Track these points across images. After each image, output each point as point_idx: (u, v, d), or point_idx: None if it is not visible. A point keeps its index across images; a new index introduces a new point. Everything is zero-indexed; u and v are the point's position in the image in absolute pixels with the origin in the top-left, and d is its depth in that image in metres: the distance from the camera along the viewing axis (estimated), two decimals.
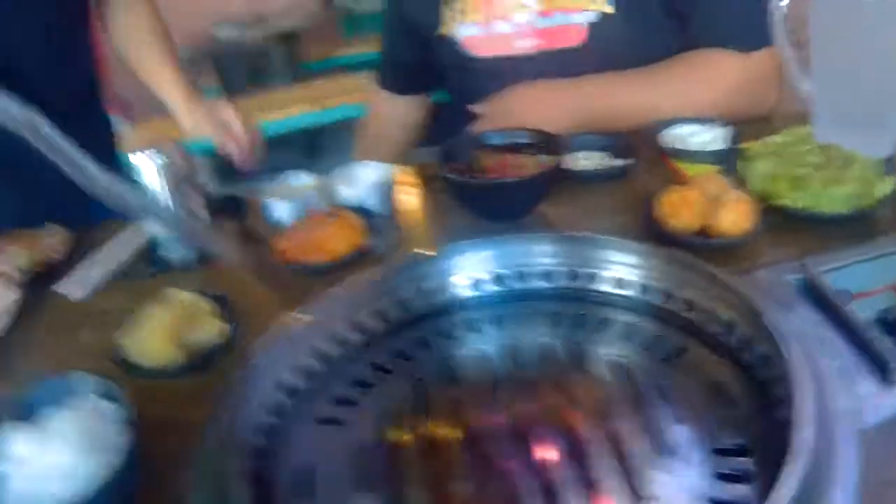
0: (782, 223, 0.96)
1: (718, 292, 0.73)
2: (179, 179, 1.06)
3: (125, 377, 0.81)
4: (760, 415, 0.63)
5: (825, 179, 0.96)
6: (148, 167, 1.02)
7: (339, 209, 1.07)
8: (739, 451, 0.60)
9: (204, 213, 1.13)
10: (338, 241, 0.99)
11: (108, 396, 0.70)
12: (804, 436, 0.52)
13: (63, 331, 0.97)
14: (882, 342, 0.68)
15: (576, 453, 0.62)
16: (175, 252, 1.10)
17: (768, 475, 0.55)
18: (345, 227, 1.01)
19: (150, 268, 1.10)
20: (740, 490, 0.56)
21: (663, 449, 0.61)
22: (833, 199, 0.94)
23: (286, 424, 0.70)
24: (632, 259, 0.80)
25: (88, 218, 1.21)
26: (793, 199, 0.97)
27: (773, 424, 0.61)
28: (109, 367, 0.83)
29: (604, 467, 0.60)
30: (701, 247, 0.90)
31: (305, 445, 0.68)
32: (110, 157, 1.54)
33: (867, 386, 0.66)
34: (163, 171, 1.03)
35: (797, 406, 0.54)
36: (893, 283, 0.83)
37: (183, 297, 0.90)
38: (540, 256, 0.83)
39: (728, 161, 1.10)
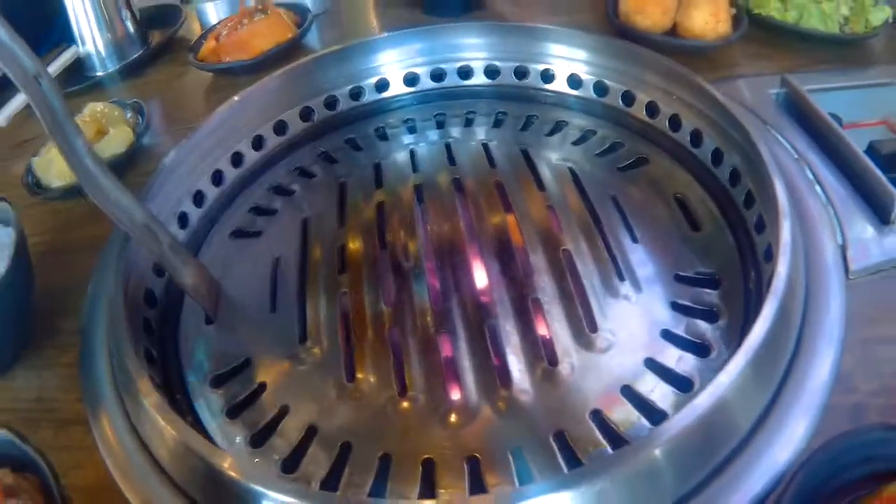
0: (763, 35, 0.83)
1: (688, 97, 0.63)
2: None
3: (35, 202, 0.72)
4: (729, 242, 0.54)
5: None
6: None
7: (269, 5, 0.94)
8: (705, 281, 0.52)
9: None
10: (265, 37, 0.87)
11: (2, 220, 0.60)
12: (782, 270, 0.42)
13: None
14: (878, 177, 0.56)
15: (516, 275, 0.54)
16: (98, 67, 0.98)
17: (736, 313, 0.49)
18: (274, 24, 0.89)
19: (69, 86, 0.98)
20: (702, 327, 0.48)
21: (618, 273, 0.53)
22: (823, 16, 0.82)
23: (195, 239, 0.63)
24: (588, 54, 0.69)
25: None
26: (780, 11, 0.84)
27: (744, 255, 0.53)
28: (22, 193, 0.73)
29: (550, 293, 0.52)
30: (669, 48, 0.78)
31: (216, 261, 0.60)
32: None
33: (860, 226, 0.54)
34: None
35: (777, 236, 0.45)
36: (886, 116, 0.72)
37: (98, 108, 0.80)
38: (486, 49, 0.72)
39: None
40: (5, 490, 0.38)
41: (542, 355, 0.48)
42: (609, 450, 0.42)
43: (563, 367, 0.47)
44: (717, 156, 0.59)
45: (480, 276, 0.54)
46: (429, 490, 0.42)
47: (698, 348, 0.47)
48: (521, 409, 0.45)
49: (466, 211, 0.60)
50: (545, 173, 0.63)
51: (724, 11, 0.80)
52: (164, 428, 0.41)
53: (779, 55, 0.81)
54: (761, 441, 0.39)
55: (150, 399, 0.42)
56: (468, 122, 0.72)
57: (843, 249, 0.52)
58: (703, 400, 0.37)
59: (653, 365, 0.46)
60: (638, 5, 0.81)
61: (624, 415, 0.44)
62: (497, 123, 0.71)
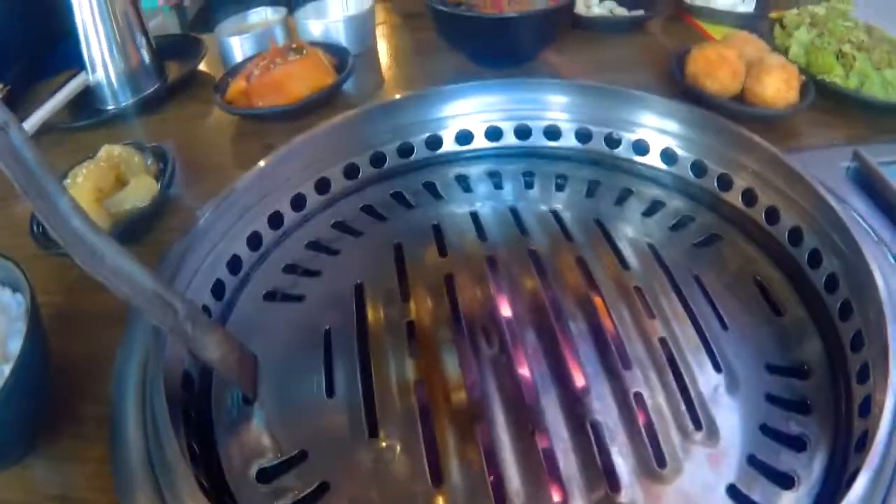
0: (825, 102, 0.79)
1: (764, 170, 0.58)
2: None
3: (41, 255, 0.63)
4: (815, 327, 0.50)
5: (874, 62, 0.81)
6: None
7: (305, 45, 0.87)
8: (795, 372, 0.47)
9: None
10: (302, 81, 0.80)
11: (11, 284, 0.52)
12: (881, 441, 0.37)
13: None
14: None
15: (614, 367, 0.48)
16: (110, 100, 0.91)
17: (829, 406, 0.45)
18: (311, 66, 0.81)
19: (78, 119, 0.90)
20: (797, 421, 0.44)
21: (715, 364, 0.48)
22: (885, 83, 0.79)
23: (230, 305, 0.56)
24: (660, 120, 0.63)
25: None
26: (842, 77, 0.80)
27: (833, 342, 0.48)
28: (26, 243, 0.64)
29: (652, 387, 0.47)
30: (739, 114, 0.73)
31: (247, 328, 0.53)
32: None
33: None
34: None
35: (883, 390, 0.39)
36: None
37: (115, 152, 0.71)
38: (547, 108, 0.66)
39: (756, 28, 0.94)
40: None
41: (649, 455, 0.42)
42: None
43: (671, 469, 0.42)
44: (816, 258, 0.53)
45: (574, 366, 0.48)
46: None
47: (795, 442, 0.43)
48: None
49: (549, 289, 0.53)
50: (625, 248, 0.58)
51: (795, 79, 0.76)
52: None
53: (842, 123, 0.77)
54: None
55: None
56: (526, 184, 0.66)
57: None
58: None
59: (755, 462, 0.42)
60: (708, 68, 0.76)
61: None
62: (557, 188, 0.65)
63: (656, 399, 0.45)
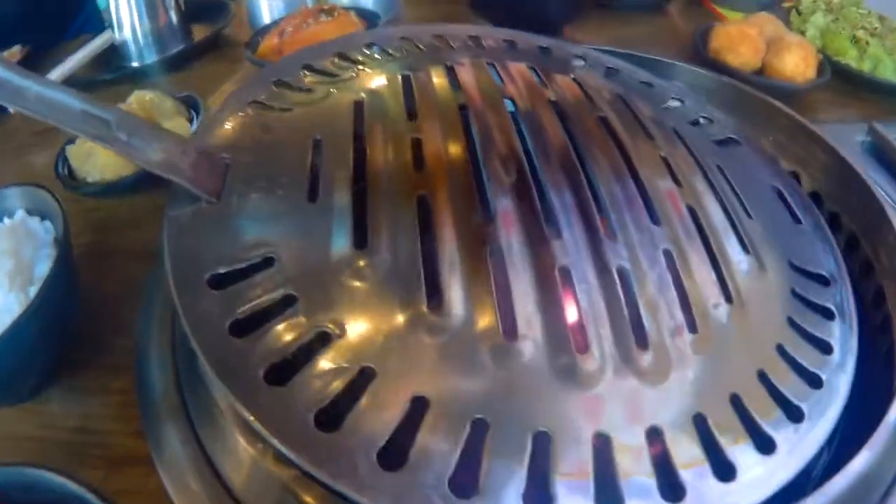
0: (840, 82, 0.79)
1: (783, 137, 0.56)
2: None
3: (68, 197, 0.59)
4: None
5: (887, 48, 0.81)
6: None
7: (336, 7, 0.85)
8: (818, 277, 0.42)
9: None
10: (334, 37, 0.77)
11: (41, 212, 0.51)
12: None
13: (11, 153, 0.74)
14: None
15: (641, 220, 0.39)
16: (135, 57, 0.89)
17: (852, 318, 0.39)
18: (343, 27, 0.80)
19: (106, 73, 0.88)
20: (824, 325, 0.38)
21: (742, 244, 0.41)
22: None
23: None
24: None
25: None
26: (857, 60, 0.80)
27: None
28: (56, 186, 0.61)
29: (681, 248, 0.38)
30: (760, 86, 0.71)
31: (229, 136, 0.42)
32: None
33: None
34: None
35: None
36: None
37: (146, 97, 0.69)
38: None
39: (772, 12, 0.92)
40: None
41: (680, 318, 0.35)
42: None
43: (701, 337, 0.35)
44: (836, 221, 0.51)
45: (599, 210, 0.39)
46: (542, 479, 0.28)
47: (822, 344, 0.38)
48: (659, 379, 0.33)
49: (571, 136, 0.44)
50: (650, 125, 0.49)
51: (812, 57, 0.76)
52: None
53: (856, 103, 0.77)
54: None
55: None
56: None
57: None
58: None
59: (783, 352, 0.36)
60: (730, 44, 0.76)
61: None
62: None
63: (687, 260, 0.37)
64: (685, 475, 0.29)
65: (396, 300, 0.32)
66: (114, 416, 0.43)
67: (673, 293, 0.36)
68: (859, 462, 0.32)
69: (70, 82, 0.82)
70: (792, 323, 0.38)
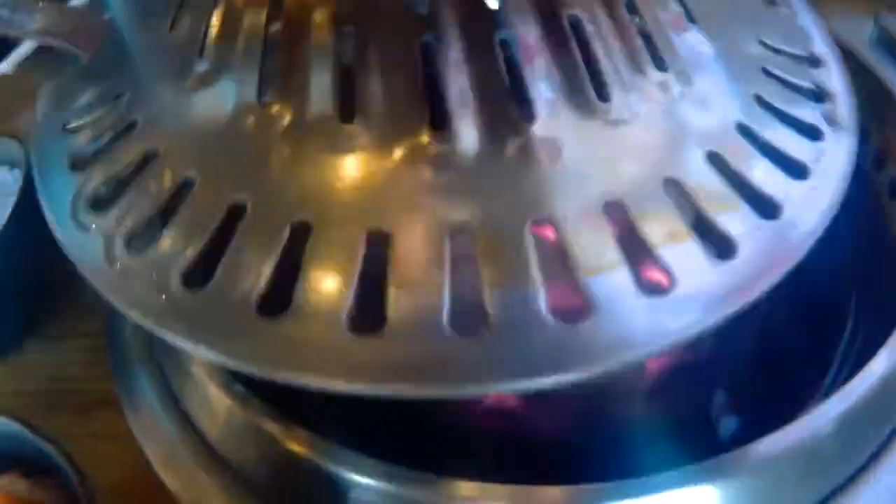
0: None
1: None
2: None
3: None
4: None
5: None
6: None
7: None
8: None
9: None
10: None
11: (10, 161, 0.49)
12: None
13: None
14: None
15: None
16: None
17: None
18: None
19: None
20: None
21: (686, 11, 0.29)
22: None
23: None
24: None
25: None
26: None
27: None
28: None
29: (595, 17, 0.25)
30: None
31: None
32: None
33: None
34: None
35: None
36: None
37: None
38: None
39: None
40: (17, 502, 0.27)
41: (584, 85, 0.24)
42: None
43: (616, 106, 0.25)
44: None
45: None
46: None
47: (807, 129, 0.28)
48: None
49: None
50: None
51: None
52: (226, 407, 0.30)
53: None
54: None
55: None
56: None
57: None
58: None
59: (745, 131, 0.26)
60: None
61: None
62: None
63: (600, 27, 0.25)
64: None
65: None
66: (81, 362, 0.42)
67: (577, 63, 0.25)
68: (879, 364, 0.29)
69: None
70: (761, 101, 0.28)
